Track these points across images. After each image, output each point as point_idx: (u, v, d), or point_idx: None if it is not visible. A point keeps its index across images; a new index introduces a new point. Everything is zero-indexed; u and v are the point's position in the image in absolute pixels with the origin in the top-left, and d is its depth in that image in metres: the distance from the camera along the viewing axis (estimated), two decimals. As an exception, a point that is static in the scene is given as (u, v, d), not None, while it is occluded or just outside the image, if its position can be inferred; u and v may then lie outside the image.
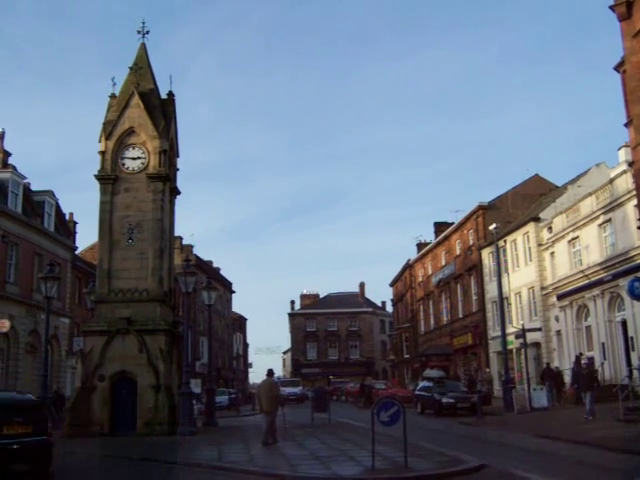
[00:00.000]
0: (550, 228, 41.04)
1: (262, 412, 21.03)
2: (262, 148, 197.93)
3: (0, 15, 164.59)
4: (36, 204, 42.41)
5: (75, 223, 49.86)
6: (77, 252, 50.79)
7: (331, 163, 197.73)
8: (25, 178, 41.23)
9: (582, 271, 36.33)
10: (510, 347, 40.77)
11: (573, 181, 45.01)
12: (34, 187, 43.79)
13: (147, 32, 28.26)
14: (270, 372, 21.10)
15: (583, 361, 26.28)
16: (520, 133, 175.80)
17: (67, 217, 48.97)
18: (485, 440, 20.56)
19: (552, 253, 41.10)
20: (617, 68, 28.36)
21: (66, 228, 47.47)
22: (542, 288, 41.90)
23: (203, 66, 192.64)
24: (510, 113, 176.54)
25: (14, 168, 40.44)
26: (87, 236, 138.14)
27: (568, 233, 38.34)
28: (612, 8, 23.15)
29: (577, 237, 37.62)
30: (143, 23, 28.18)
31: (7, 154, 42.25)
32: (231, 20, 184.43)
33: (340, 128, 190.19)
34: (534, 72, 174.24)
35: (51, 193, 44.36)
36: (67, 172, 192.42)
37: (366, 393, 44.00)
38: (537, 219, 43.23)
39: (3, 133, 42.50)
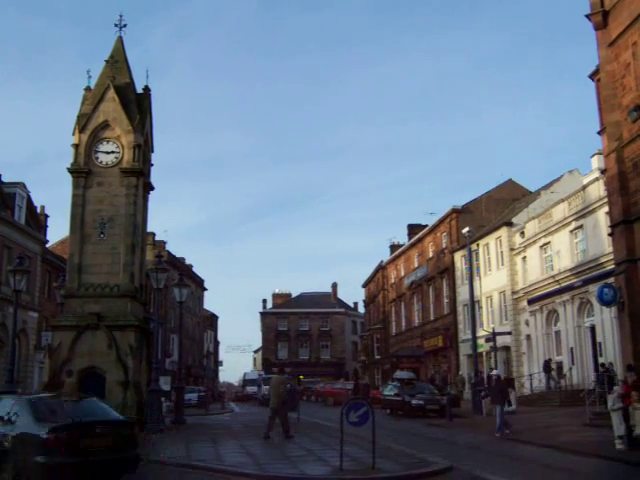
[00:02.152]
0: (522, 233, 41.35)
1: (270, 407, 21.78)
2: (237, 146, 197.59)
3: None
4: (7, 196, 41.81)
5: (46, 216, 49.25)
6: (48, 246, 50.20)
7: (306, 163, 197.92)
8: (-4, 170, 40.70)
9: (553, 276, 36.65)
10: (480, 350, 41.03)
11: (546, 187, 45.40)
12: (5, 179, 43.19)
13: (124, 25, 27.97)
14: (281, 370, 21.44)
15: (494, 372, 25.66)
16: (495, 138, 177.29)
17: (38, 210, 48.37)
18: (453, 442, 20.63)
19: (524, 258, 41.41)
20: (592, 76, 28.64)
21: (37, 221, 46.87)
22: (513, 292, 42.20)
23: (180, 63, 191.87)
24: (486, 118, 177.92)
25: (-15, 159, 39.86)
26: (58, 230, 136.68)
27: (540, 238, 38.66)
28: (588, 17, 23.37)
29: (549, 242, 37.95)
30: (120, 16, 27.90)
31: (-22, 145, 41.65)
32: (208, 18, 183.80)
33: (316, 128, 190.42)
34: (510, 78, 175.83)
35: (22, 185, 43.76)
36: (39, 165, 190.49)
37: (361, 393, 43.48)
38: (510, 224, 43.53)
39: (-25, 123, 41.92)
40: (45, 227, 48.46)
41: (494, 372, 24.92)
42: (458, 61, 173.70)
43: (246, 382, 72.21)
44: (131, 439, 11.60)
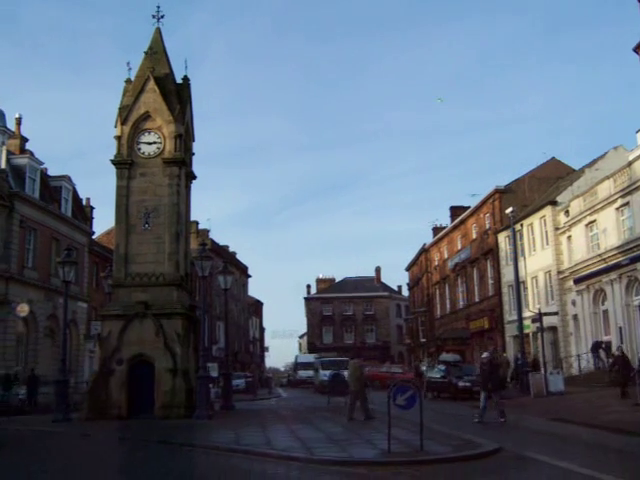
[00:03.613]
0: (567, 212, 40.81)
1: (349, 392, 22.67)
2: (278, 131, 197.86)
3: (16, 1, 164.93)
4: (53, 189, 42.63)
5: (92, 208, 50.07)
6: (94, 237, 51.06)
7: (347, 146, 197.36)
8: (42, 164, 41.45)
9: (599, 255, 36.13)
10: (527, 331, 40.66)
11: (591, 164, 44.68)
12: (51, 172, 44.01)
13: (162, 16, 28.05)
14: (356, 354, 21.99)
15: (484, 355, 24.43)
16: (537, 115, 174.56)
17: (84, 202, 49.20)
18: (500, 423, 20.55)
19: (569, 237, 40.89)
20: (636, 50, 28.07)
21: (83, 213, 47.70)
22: (559, 272, 41.72)
23: (218, 50, 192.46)
24: (527, 95, 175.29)
25: (31, 154, 40.67)
26: (104, 221, 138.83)
27: (585, 217, 38.10)
28: (631, -11, 22.90)
29: (594, 221, 37.39)
30: (158, 7, 28.02)
31: (24, 140, 42.50)
32: (245, 3, 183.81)
33: (356, 111, 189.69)
34: (552, 53, 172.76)
35: (68, 178, 44.53)
36: (83, 157, 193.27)
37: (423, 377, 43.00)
38: (554, 203, 43.00)
39: (20, 119, 42.75)
40: (91, 219, 49.31)
41: (484, 354, 23.93)
42: (497, 39, 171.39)
43: (298, 366, 66.69)
44: None
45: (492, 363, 22.64)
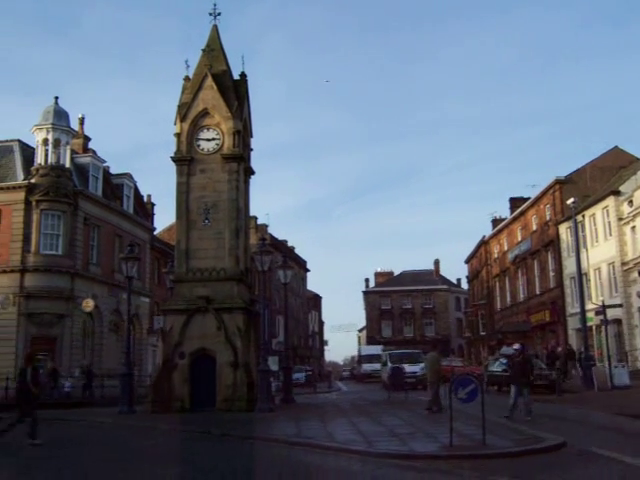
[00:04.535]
0: (631, 202, 39.88)
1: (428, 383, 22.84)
2: (336, 125, 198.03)
3: (78, 5, 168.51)
4: (115, 187, 43.55)
5: (153, 205, 50.94)
6: (155, 233, 51.94)
7: (405, 139, 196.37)
8: (105, 162, 42.35)
9: (665, 245, 35.25)
10: (590, 324, 39.90)
11: (655, 152, 43.54)
12: (113, 170, 44.93)
13: (219, 14, 28.43)
14: (434, 346, 21.93)
15: (515, 347, 22.86)
16: (599, 104, 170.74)
17: (145, 199, 50.07)
18: (564, 418, 20.25)
19: (633, 227, 39.96)
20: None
21: (144, 210, 48.58)
22: (623, 263, 40.83)
23: (274, 44, 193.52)
24: (588, 84, 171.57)
25: (94, 152, 41.58)
26: (164, 217, 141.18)
27: (650, 207, 37.20)
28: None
29: (660, 210, 36.48)
30: (214, 5, 28.37)
31: (87, 139, 43.47)
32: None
33: (414, 103, 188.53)
34: (612, 40, 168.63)
35: (129, 176, 45.41)
36: (144, 154, 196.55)
37: None
38: (617, 193, 42.07)
39: (83, 119, 43.72)
40: (152, 215, 50.16)
41: (515, 346, 22.72)
42: (560, 25, 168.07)
43: (362, 358, 63.30)
44: None
45: (524, 357, 21.97)
